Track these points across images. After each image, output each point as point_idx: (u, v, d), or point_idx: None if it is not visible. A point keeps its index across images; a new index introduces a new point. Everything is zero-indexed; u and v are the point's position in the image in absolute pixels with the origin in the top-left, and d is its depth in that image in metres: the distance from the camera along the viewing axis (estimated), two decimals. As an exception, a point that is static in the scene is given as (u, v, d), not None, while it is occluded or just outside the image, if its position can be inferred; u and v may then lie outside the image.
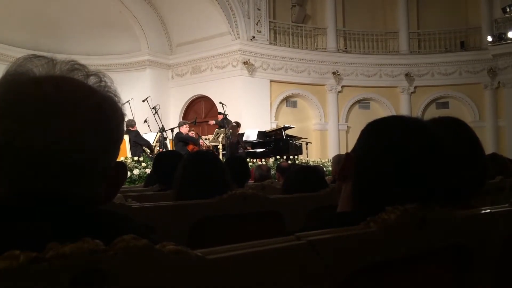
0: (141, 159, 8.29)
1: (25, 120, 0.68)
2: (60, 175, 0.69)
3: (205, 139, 11.28)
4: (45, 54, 0.78)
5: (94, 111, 0.73)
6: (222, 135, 10.71)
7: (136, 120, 10.77)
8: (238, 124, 11.02)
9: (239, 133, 11.31)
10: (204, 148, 10.41)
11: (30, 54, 0.77)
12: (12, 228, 0.64)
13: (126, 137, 9.76)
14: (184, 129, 10.59)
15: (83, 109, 0.72)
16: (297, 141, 12.51)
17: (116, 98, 0.78)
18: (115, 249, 0.53)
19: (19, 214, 0.66)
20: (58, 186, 0.69)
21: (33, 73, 0.73)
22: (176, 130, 10.59)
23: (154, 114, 10.14)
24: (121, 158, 8.17)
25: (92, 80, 0.77)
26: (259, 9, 15.33)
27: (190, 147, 10.36)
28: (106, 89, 0.77)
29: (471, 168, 1.25)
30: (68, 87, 0.73)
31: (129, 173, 7.76)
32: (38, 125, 0.68)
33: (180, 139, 10.30)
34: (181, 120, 13.14)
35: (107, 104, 0.76)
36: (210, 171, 2.30)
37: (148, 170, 7.48)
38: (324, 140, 16.17)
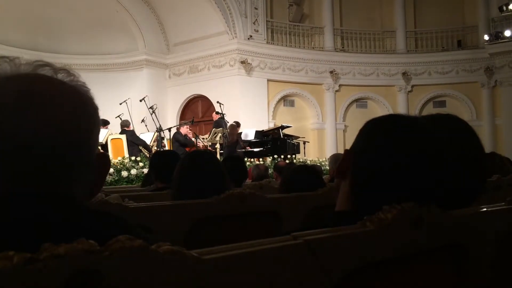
0: (138, 158, 8.27)
1: (6, 115, 0.67)
2: (44, 172, 0.69)
3: (203, 138, 11.27)
4: (8, 55, 0.78)
5: (70, 102, 0.73)
6: (219, 134, 10.70)
7: (133, 120, 10.79)
8: (238, 124, 11.01)
9: (238, 133, 11.31)
10: (201, 148, 10.39)
11: None
12: (6, 228, 0.63)
13: (123, 137, 9.75)
14: (184, 130, 10.56)
15: (59, 101, 0.72)
16: (294, 140, 12.51)
17: (86, 89, 0.79)
18: (110, 250, 0.53)
19: (14, 214, 0.65)
20: (47, 184, 0.69)
21: (1, 71, 0.73)
22: (174, 130, 10.58)
23: (151, 114, 10.15)
24: (118, 158, 8.16)
25: (61, 75, 0.77)
26: (256, 8, 15.32)
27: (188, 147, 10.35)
28: (75, 82, 0.78)
29: (471, 168, 1.20)
30: (40, 81, 0.73)
31: (126, 173, 7.75)
32: (16, 120, 0.67)
33: (176, 140, 10.27)
34: (178, 120, 13.11)
35: (80, 96, 0.76)
36: (207, 170, 2.29)
37: (145, 170, 7.47)
38: (322, 139, 16.18)
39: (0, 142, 0.67)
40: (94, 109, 0.78)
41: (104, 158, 0.81)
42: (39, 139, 0.68)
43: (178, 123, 11.01)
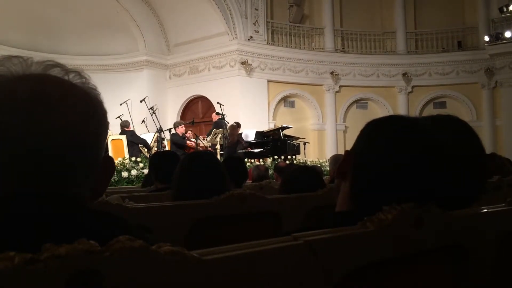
0: (138, 159, 8.27)
1: (15, 116, 0.67)
2: (52, 173, 0.69)
3: (203, 139, 11.26)
4: (21, 54, 0.77)
5: (80, 105, 0.73)
6: (219, 135, 10.70)
7: (134, 121, 10.78)
8: (238, 125, 11.01)
9: (239, 133, 11.29)
10: (201, 149, 10.37)
11: (5, 55, 0.76)
12: (7, 228, 0.63)
13: (123, 138, 9.75)
14: (180, 130, 10.53)
15: (71, 103, 0.72)
16: (295, 141, 12.51)
17: (96, 92, 0.78)
18: (111, 250, 0.53)
19: (14, 214, 0.65)
20: (50, 185, 0.69)
21: (12, 71, 0.72)
22: (172, 131, 10.55)
23: (151, 115, 10.14)
24: (118, 159, 8.16)
25: (71, 76, 0.77)
26: (256, 9, 15.33)
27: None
28: (86, 84, 0.77)
29: (471, 168, 1.20)
30: (50, 83, 0.73)
31: (126, 174, 7.75)
32: (23, 121, 0.67)
33: (173, 143, 10.23)
34: (176, 120, 13.07)
35: (91, 97, 0.76)
36: (208, 171, 2.30)
37: (145, 171, 7.47)
38: (322, 140, 16.18)
39: (5, 142, 0.66)
40: (103, 112, 0.78)
41: (109, 161, 0.80)
42: (45, 140, 0.68)
43: (173, 125, 10.87)
